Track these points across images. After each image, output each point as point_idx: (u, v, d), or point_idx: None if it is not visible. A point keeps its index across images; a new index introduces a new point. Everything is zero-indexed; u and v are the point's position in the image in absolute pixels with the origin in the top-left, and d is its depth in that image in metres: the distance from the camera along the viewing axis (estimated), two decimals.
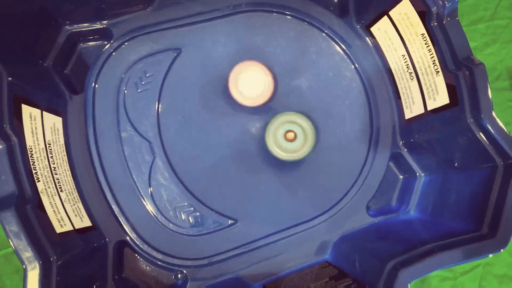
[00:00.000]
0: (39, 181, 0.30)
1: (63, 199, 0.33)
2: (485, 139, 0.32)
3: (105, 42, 0.40)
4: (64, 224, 0.31)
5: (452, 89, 0.34)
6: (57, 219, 0.31)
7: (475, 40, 0.46)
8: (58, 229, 0.30)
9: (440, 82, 0.35)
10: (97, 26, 0.39)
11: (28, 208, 0.28)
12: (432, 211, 0.37)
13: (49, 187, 0.31)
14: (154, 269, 0.38)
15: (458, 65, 0.33)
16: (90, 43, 0.40)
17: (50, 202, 0.31)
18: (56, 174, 0.33)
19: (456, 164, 0.36)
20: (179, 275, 0.37)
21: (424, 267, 0.29)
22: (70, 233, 0.32)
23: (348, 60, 0.41)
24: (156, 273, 0.38)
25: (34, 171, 0.30)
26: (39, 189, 0.30)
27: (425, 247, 0.31)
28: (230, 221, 0.38)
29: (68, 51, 0.39)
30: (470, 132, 0.33)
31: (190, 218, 0.38)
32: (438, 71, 0.35)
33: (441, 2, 0.33)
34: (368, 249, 0.36)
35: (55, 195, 0.32)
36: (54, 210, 0.31)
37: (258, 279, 0.38)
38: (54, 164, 0.33)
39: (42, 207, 0.30)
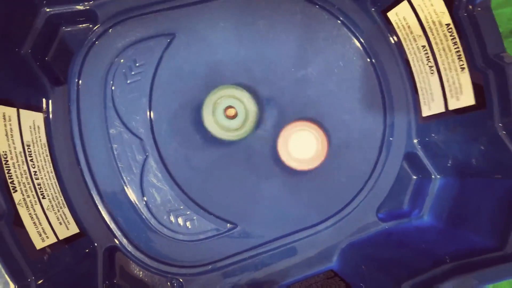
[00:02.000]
0: (16, 191, 0.27)
1: (45, 207, 0.29)
2: None
3: (91, 25, 0.36)
4: (47, 236, 0.28)
5: (479, 89, 0.31)
6: (38, 232, 0.28)
7: (499, 26, 0.41)
8: (39, 245, 0.28)
9: (465, 80, 0.32)
10: (80, 7, 0.34)
11: (2, 225, 0.25)
12: (448, 219, 0.35)
13: (28, 196, 0.28)
14: (148, 274, 0.35)
15: (488, 63, 0.29)
16: (74, 26, 0.36)
17: (30, 214, 0.28)
18: (37, 179, 0.30)
19: (477, 170, 0.33)
20: (175, 283, 0.35)
21: None
22: (53, 246, 0.29)
23: (360, 48, 0.37)
24: (150, 278, 0.35)
25: (10, 180, 0.27)
26: (16, 201, 0.27)
27: (442, 268, 0.28)
28: (229, 225, 0.36)
29: (49, 35, 0.35)
30: (497, 139, 0.30)
31: (185, 222, 0.35)
32: (464, 68, 0.32)
33: None
34: (379, 261, 0.33)
35: (35, 204, 0.29)
36: (34, 222, 0.28)
37: None
38: (34, 167, 0.30)
39: (19, 221, 0.27)
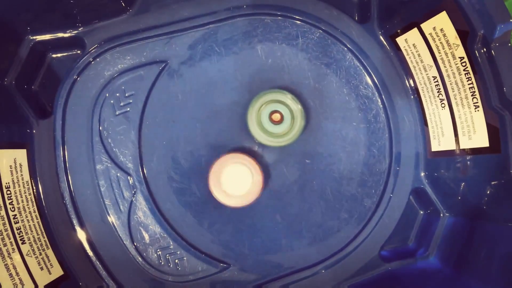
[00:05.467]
0: None
1: (24, 254, 0.28)
2: None
3: (79, 52, 0.34)
4: None
5: (494, 131, 0.28)
6: (14, 284, 0.26)
7: None
8: None
9: (479, 119, 0.29)
10: (66, 35, 0.32)
11: None
12: (457, 263, 0.32)
13: (5, 245, 0.27)
14: None
15: (505, 104, 0.27)
16: (62, 53, 0.34)
17: (6, 264, 0.26)
18: (17, 222, 0.28)
19: (488, 214, 0.30)
20: None
21: None
22: None
23: (366, 74, 0.34)
24: None
25: None
26: None
27: None
28: (221, 265, 0.34)
29: (35, 63, 0.33)
30: (511, 185, 0.27)
31: (175, 262, 0.33)
32: (478, 106, 0.29)
33: (491, 23, 0.26)
34: None
35: (13, 252, 0.27)
36: (10, 274, 0.26)
37: None
38: (14, 210, 0.28)
39: None
